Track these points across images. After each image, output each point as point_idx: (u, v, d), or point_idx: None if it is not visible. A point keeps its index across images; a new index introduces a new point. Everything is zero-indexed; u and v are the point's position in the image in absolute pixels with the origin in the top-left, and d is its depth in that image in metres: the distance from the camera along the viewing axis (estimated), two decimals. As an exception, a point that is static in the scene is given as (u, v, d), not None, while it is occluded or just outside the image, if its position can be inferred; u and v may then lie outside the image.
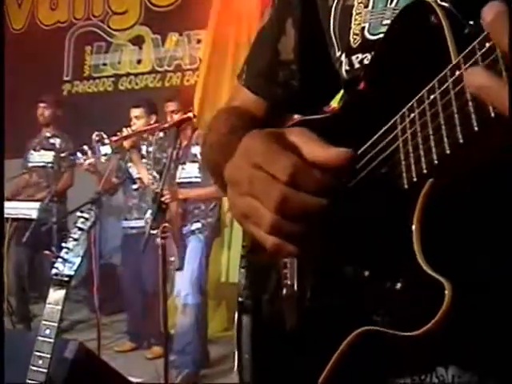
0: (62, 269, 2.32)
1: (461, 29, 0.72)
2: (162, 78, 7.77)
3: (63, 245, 2.35)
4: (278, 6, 1.17)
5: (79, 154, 5.06)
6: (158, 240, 3.99)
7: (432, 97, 0.70)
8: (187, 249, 5.00)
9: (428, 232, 0.71)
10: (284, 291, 0.95)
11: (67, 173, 6.30)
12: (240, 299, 1.09)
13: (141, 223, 5.40)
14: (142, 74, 7.93)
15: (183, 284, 4.91)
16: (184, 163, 5.09)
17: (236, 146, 0.90)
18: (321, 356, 0.83)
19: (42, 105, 6.45)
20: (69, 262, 2.32)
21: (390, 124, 0.78)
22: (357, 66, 0.99)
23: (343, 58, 1.02)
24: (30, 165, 6.48)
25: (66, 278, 2.32)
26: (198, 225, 5.02)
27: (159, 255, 3.84)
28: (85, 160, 5.02)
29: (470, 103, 0.63)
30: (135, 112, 5.47)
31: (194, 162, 5.07)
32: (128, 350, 5.66)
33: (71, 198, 6.17)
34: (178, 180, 5.04)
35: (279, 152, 0.79)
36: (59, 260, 2.31)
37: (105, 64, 8.19)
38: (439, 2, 0.77)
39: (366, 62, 0.97)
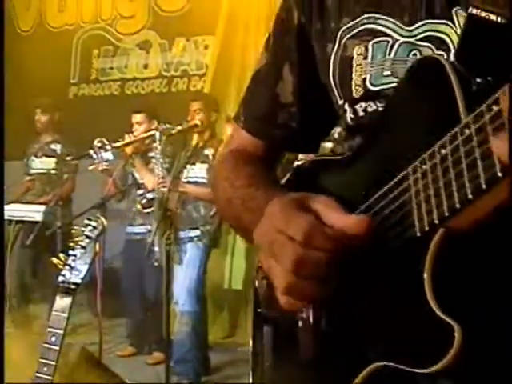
0: (69, 276, 2.32)
1: (468, 86, 0.79)
2: (169, 83, 7.77)
3: (70, 252, 2.35)
4: (274, 51, 1.20)
5: (94, 155, 5.07)
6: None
7: (443, 152, 0.76)
8: (185, 256, 5.02)
9: (439, 276, 0.76)
10: (300, 324, 1.00)
11: (69, 178, 6.32)
12: (259, 310, 1.15)
13: (145, 229, 5.41)
14: (149, 78, 7.93)
15: (180, 292, 4.92)
16: (194, 163, 5.12)
17: (257, 199, 1.03)
18: None
19: (38, 111, 6.43)
20: (76, 269, 2.33)
21: (402, 175, 0.83)
22: (361, 113, 1.04)
23: (347, 106, 1.07)
24: (33, 171, 6.49)
25: (73, 286, 2.33)
26: (197, 232, 5.04)
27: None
28: (100, 162, 5.04)
29: (479, 162, 0.69)
30: (136, 118, 5.50)
31: (203, 162, 5.11)
32: (129, 355, 5.66)
33: (76, 201, 6.18)
34: (184, 179, 5.06)
35: (297, 214, 0.85)
36: (66, 267, 2.32)
37: (111, 68, 8.20)
38: (447, 59, 0.84)
39: (369, 109, 1.03)
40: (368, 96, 1.02)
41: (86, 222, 2.42)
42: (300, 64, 1.15)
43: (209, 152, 5.09)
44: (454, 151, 0.73)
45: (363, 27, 1.03)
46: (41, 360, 2.23)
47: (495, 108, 0.68)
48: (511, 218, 0.72)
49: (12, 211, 5.78)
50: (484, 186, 0.68)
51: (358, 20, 1.04)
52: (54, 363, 2.23)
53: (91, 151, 5.07)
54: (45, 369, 2.22)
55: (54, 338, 2.26)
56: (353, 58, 1.03)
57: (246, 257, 6.42)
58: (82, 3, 8.43)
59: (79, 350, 3.08)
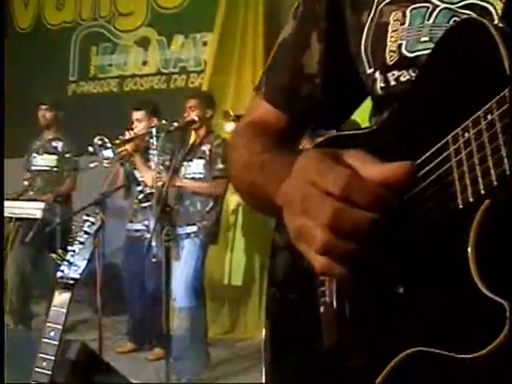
0: (68, 272, 2.35)
1: None
2: (167, 80, 7.80)
3: (69, 248, 2.38)
4: (302, 19, 1.15)
5: (94, 153, 5.11)
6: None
7: (490, 117, 0.70)
8: (182, 252, 5.03)
9: (484, 252, 0.70)
10: (322, 309, 0.94)
11: (70, 176, 6.34)
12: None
13: (145, 226, 5.42)
14: (147, 75, 7.95)
15: (178, 288, 4.92)
16: (191, 160, 5.17)
17: (277, 162, 0.97)
18: (364, 378, 0.82)
19: (43, 107, 6.44)
20: (74, 265, 2.36)
21: (441, 144, 0.78)
22: (393, 83, 0.98)
23: (377, 75, 1.01)
24: (34, 168, 6.50)
25: (72, 281, 2.35)
26: (194, 228, 5.05)
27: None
28: (100, 160, 5.08)
29: None
30: (136, 115, 5.51)
31: (200, 158, 5.15)
32: (129, 351, 5.68)
33: (77, 198, 6.20)
34: (181, 175, 5.11)
35: (333, 166, 0.79)
36: (65, 263, 2.34)
37: (110, 65, 8.22)
38: (489, 20, 0.77)
39: (402, 78, 0.97)
40: (402, 63, 0.96)
41: (85, 217, 2.44)
42: (329, 33, 1.10)
43: (205, 148, 5.13)
44: (503, 116, 0.68)
45: None
46: (40, 355, 2.25)
47: None
48: None
49: (12, 208, 5.80)
50: None
51: None
52: (53, 358, 2.25)
53: (90, 148, 5.10)
54: (44, 364, 2.24)
55: (53, 333, 2.28)
56: (389, 24, 0.98)
57: (245, 253, 6.46)
58: (80, 0, 8.45)
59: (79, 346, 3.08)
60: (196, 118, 4.41)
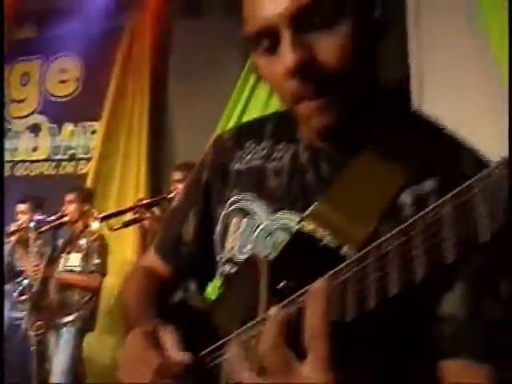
0: None
1: (273, 284, 1.01)
2: (57, 166, 7.92)
3: None
4: (185, 195, 1.44)
5: None
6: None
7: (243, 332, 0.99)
8: (60, 341, 5.21)
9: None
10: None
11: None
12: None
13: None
14: (38, 161, 8.06)
15: (58, 374, 5.08)
16: (69, 252, 5.41)
17: (139, 305, 1.30)
18: None
19: None
20: None
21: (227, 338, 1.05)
22: (227, 271, 1.26)
23: (220, 263, 1.29)
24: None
25: None
26: (70, 318, 5.25)
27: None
28: None
29: None
30: (21, 207, 5.72)
31: (78, 252, 5.39)
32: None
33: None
34: (60, 268, 5.34)
35: (147, 352, 1.09)
36: None
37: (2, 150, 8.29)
38: (266, 259, 1.09)
39: (232, 270, 1.24)
40: (232, 261, 1.23)
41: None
42: (202, 210, 1.35)
43: (83, 242, 5.39)
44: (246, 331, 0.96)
45: (244, 204, 1.23)
46: None
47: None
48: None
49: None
50: None
51: (242, 196, 1.24)
52: None
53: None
54: None
55: None
56: (230, 226, 1.24)
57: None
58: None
59: None
60: (67, 219, 4.71)
